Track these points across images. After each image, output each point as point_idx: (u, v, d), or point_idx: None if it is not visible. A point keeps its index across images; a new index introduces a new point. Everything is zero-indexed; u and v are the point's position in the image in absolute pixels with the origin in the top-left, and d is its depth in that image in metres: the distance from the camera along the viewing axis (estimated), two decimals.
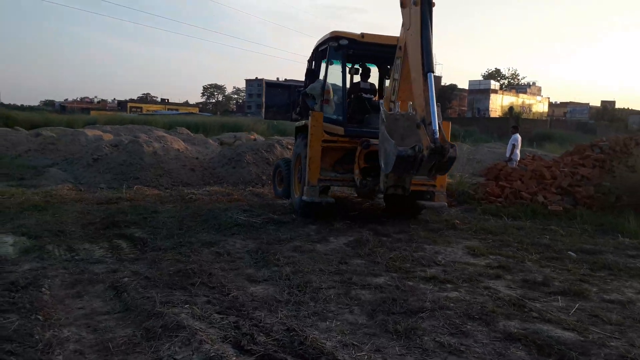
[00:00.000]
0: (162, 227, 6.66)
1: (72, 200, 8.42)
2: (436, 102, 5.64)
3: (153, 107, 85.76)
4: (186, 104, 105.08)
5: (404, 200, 7.75)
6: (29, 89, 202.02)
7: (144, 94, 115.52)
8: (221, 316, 3.76)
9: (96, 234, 6.22)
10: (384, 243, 6.40)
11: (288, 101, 10.10)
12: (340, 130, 7.65)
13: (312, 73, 8.73)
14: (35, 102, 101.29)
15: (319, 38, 8.48)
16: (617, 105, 75.90)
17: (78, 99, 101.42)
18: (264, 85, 10.82)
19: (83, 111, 62.85)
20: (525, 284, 4.96)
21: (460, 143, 22.56)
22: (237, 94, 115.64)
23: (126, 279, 4.54)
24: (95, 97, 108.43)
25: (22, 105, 71.36)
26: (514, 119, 45.28)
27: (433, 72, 5.75)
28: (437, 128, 5.54)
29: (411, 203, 8.01)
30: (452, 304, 4.24)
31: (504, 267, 5.51)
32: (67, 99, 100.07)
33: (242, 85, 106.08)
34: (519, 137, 13.82)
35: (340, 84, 8.05)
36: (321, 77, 8.19)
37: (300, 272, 4.98)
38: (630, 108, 71.12)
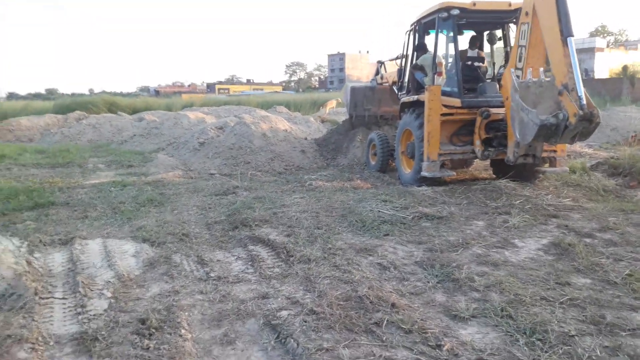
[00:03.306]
0: (297, 226, 5.45)
1: (188, 191, 7.55)
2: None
3: (240, 88, 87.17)
4: (270, 83, 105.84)
5: (523, 166, 7.31)
6: (125, 76, 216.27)
7: (230, 75, 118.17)
8: None
9: (225, 237, 5.15)
10: (594, 248, 4.70)
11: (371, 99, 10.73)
12: (457, 102, 7.43)
13: (417, 46, 8.44)
14: (132, 89, 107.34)
15: (424, 10, 8.09)
16: None
17: (170, 84, 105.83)
18: (349, 88, 11.19)
19: (175, 94, 64.89)
20: None
21: None
22: (319, 70, 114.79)
23: (285, 313, 3.34)
24: (186, 80, 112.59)
25: (120, 92, 75.62)
26: (628, 79, 39.75)
27: (573, 35, 5.60)
28: (583, 94, 5.42)
29: (530, 170, 7.48)
30: None
31: None
32: (160, 84, 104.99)
33: (323, 61, 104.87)
34: None
35: (448, 54, 8.03)
36: (431, 48, 8.02)
37: (518, 302, 3.49)
38: None
